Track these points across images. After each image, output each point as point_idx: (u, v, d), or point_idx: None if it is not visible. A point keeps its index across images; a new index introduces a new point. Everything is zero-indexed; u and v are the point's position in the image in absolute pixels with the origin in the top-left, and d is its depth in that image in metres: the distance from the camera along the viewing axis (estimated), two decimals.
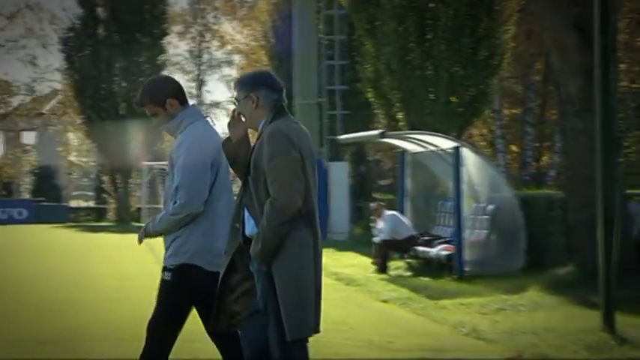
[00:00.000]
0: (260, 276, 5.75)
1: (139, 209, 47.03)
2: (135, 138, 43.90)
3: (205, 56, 66.57)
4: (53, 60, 64.35)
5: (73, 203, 60.34)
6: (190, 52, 66.15)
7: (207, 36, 65.42)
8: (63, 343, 9.77)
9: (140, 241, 6.45)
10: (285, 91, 5.91)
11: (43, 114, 59.15)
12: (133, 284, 15.72)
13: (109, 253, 23.34)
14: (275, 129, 5.66)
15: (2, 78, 60.54)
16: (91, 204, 57.42)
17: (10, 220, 44.02)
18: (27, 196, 58.40)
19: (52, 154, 59.62)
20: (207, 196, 6.14)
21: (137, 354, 9.06)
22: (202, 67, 66.42)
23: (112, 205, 48.69)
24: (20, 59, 59.25)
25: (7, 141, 65.18)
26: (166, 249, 6.31)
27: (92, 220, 48.21)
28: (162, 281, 6.34)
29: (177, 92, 6.38)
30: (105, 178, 48.89)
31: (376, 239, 18.35)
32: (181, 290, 6.22)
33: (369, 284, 15.73)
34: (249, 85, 5.85)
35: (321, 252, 5.80)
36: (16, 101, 60.64)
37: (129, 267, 19.30)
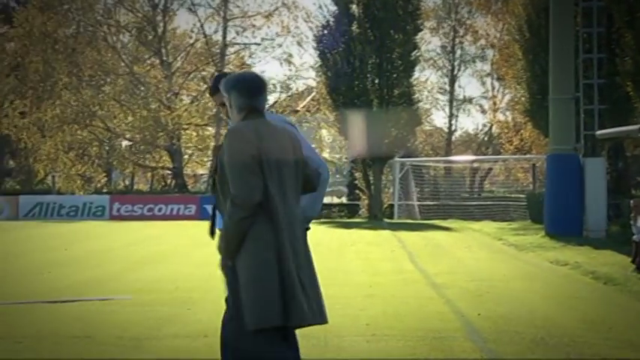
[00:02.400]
0: (225, 271, 5.99)
1: (391, 206, 47.42)
2: (387, 134, 44.32)
3: (458, 51, 66.46)
4: (308, 57, 65.73)
5: (326, 199, 61.50)
6: (443, 47, 66.20)
7: (461, 31, 65.27)
8: (314, 337, 9.94)
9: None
10: (261, 94, 6.08)
11: (297, 111, 60.57)
12: (384, 280, 15.87)
13: (362, 249, 23.64)
14: (232, 129, 5.96)
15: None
16: (344, 200, 58.35)
17: None
18: None
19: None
20: None
21: (389, 351, 9.16)
22: (455, 63, 66.34)
23: (364, 202, 49.33)
24: (276, 57, 61.07)
25: None
26: None
27: (345, 216, 48.98)
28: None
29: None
30: (357, 174, 49.60)
31: (635, 237, 17.77)
32: None
33: (628, 284, 15.25)
34: (224, 87, 6.16)
35: (294, 244, 5.88)
36: (272, 99, 62.50)
37: (381, 263, 19.49)
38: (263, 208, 5.83)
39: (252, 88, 6.10)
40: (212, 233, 6.27)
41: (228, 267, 5.97)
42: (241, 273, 5.86)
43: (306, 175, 6.17)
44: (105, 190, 59.83)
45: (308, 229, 6.46)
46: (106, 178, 65.57)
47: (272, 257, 5.82)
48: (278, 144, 5.97)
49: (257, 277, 5.80)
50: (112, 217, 46.95)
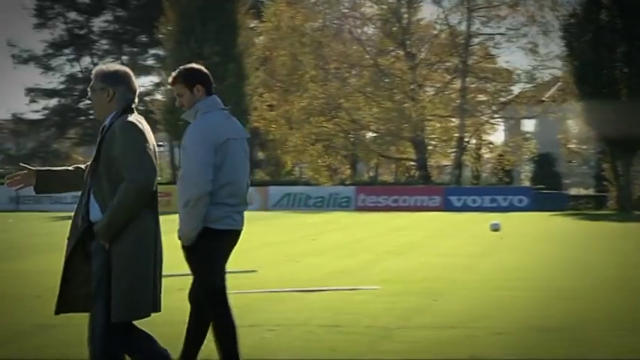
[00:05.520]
0: (98, 255, 6.01)
1: None
2: (637, 124, 43.02)
3: None
4: (554, 47, 64.27)
5: (573, 191, 60.33)
6: None
7: None
8: (564, 330, 9.83)
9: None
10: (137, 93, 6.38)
11: (543, 101, 59.58)
12: (636, 274, 15.47)
13: (610, 242, 23.10)
14: (129, 122, 6.12)
15: (504, 66, 61.89)
16: (591, 192, 57.07)
17: (511, 207, 44.98)
18: (527, 183, 59.24)
19: (552, 142, 59.87)
20: (212, 178, 6.83)
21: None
22: None
23: (612, 194, 48.08)
24: (521, 47, 60.20)
25: (508, 129, 66.54)
26: None
27: (592, 208, 47.92)
28: None
29: (207, 81, 7.13)
30: (605, 165, 48.37)
31: None
32: None
33: None
34: (109, 79, 6.28)
35: (160, 238, 6.19)
36: (516, 89, 61.78)
37: (631, 256, 18.99)
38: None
39: (135, 85, 6.39)
40: (87, 223, 6.24)
41: (102, 252, 6.06)
42: (118, 260, 6.02)
43: None
44: (349, 182, 60.64)
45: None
46: (350, 170, 66.47)
47: (151, 248, 6.10)
48: (152, 137, 6.26)
49: (135, 268, 6.02)
50: (358, 208, 47.58)
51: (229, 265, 7.09)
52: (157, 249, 6.21)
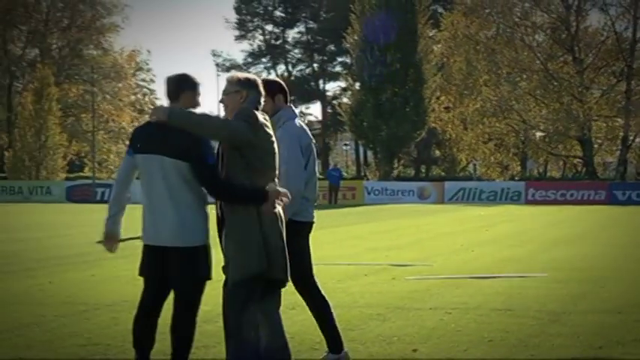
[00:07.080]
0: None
1: None
2: None
3: None
4: None
5: None
6: None
7: None
8: None
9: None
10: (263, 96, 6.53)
11: None
12: None
13: None
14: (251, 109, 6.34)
15: None
16: None
17: None
18: None
19: None
20: (303, 178, 6.97)
21: None
22: None
23: None
24: None
25: None
26: None
27: None
28: None
29: (285, 92, 7.17)
30: None
31: None
32: None
33: None
34: (244, 83, 6.46)
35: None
36: None
37: None
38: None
39: (263, 90, 6.53)
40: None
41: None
42: (230, 226, 6.26)
43: None
44: (519, 177, 60.00)
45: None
46: (520, 166, 65.79)
47: (257, 225, 6.24)
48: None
49: (243, 234, 6.24)
50: (527, 202, 47.02)
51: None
52: (262, 221, 6.25)
